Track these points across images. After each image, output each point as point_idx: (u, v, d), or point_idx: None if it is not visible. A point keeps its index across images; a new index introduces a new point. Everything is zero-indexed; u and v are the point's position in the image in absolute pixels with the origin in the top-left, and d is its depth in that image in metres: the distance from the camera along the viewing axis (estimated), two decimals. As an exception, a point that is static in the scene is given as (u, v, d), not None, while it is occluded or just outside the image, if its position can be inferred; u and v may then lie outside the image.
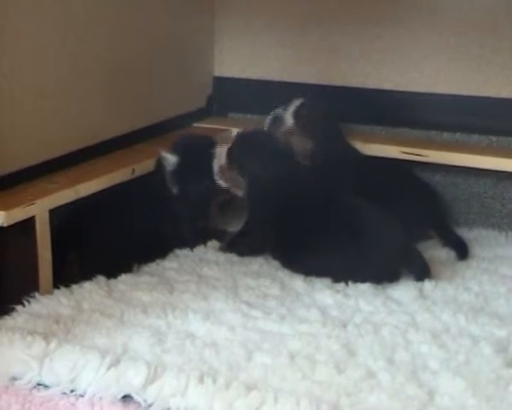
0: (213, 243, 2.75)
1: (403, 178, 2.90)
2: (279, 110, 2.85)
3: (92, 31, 2.65)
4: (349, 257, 2.44)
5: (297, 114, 2.83)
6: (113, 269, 2.46)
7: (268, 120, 2.85)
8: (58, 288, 2.36)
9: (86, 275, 2.43)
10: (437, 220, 2.86)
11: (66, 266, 2.48)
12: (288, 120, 2.83)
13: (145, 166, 2.71)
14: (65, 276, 2.44)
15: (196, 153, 2.68)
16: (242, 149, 2.59)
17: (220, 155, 2.61)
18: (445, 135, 3.05)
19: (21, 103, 2.41)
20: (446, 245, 2.77)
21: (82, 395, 1.89)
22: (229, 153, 2.60)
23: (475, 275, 2.54)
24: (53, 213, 2.36)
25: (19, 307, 2.23)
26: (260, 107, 3.20)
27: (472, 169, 2.91)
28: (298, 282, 2.46)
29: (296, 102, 2.84)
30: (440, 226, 2.84)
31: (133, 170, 2.66)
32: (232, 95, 3.28)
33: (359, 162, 2.88)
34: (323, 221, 2.47)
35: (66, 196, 2.41)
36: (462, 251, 2.73)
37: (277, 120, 2.84)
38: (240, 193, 2.62)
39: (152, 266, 2.59)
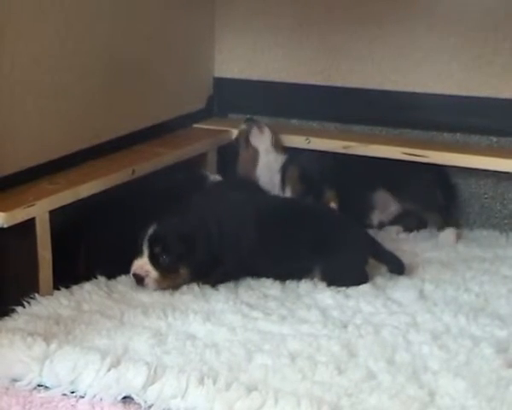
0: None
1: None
2: None
3: (92, 32, 2.65)
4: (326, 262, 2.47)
5: None
6: (115, 267, 2.48)
7: None
8: (58, 289, 2.36)
9: (93, 270, 2.45)
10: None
11: (78, 259, 2.49)
12: None
13: (145, 167, 2.71)
14: (79, 269, 2.47)
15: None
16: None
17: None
18: (446, 135, 3.04)
19: (22, 104, 2.41)
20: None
21: (82, 397, 1.90)
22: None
23: (476, 276, 2.54)
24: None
25: (19, 309, 2.23)
26: (260, 107, 3.21)
27: (472, 170, 2.92)
28: (298, 283, 2.46)
29: None
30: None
31: (133, 171, 2.66)
32: (232, 95, 3.28)
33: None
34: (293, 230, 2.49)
35: (66, 197, 2.41)
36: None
37: None
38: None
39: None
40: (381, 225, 2.97)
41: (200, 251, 2.40)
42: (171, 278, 2.41)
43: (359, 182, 2.95)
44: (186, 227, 2.42)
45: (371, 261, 2.53)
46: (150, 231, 2.40)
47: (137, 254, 2.40)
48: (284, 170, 3.01)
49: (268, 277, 2.49)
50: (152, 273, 2.38)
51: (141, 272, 2.39)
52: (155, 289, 2.39)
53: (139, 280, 2.39)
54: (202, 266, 2.42)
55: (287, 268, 2.49)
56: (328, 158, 3.00)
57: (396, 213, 2.99)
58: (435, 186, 2.98)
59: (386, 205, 2.98)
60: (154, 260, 2.39)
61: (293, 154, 3.03)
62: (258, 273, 2.49)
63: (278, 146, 3.02)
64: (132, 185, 2.65)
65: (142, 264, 2.39)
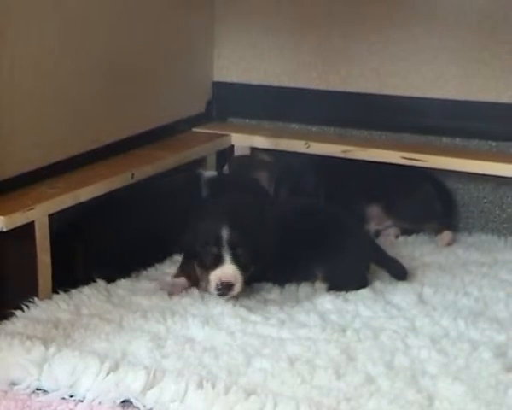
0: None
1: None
2: None
3: (92, 36, 2.65)
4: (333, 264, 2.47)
5: None
6: (114, 269, 2.48)
7: None
8: (57, 293, 2.36)
9: (92, 274, 2.45)
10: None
11: (73, 262, 2.49)
12: None
13: (144, 170, 2.72)
14: (78, 273, 2.46)
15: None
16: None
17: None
18: (445, 140, 3.05)
19: (21, 108, 2.42)
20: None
21: (81, 400, 1.90)
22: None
23: (475, 280, 2.54)
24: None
25: (18, 312, 2.23)
26: (260, 111, 3.21)
27: (471, 174, 2.92)
28: (297, 287, 2.46)
29: None
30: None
31: (132, 175, 2.66)
32: (231, 100, 3.28)
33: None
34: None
35: (65, 200, 2.41)
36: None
37: None
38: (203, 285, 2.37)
39: (151, 271, 2.59)
40: (378, 234, 2.96)
41: (266, 255, 2.34)
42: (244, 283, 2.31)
43: (352, 198, 2.93)
44: (255, 230, 2.32)
45: (371, 266, 2.53)
46: (225, 235, 2.25)
47: (212, 263, 2.28)
48: (276, 183, 3.02)
49: (271, 282, 2.48)
50: (239, 279, 2.27)
51: (231, 280, 2.25)
52: (237, 296, 2.31)
53: (228, 288, 2.26)
54: (259, 270, 2.36)
55: (289, 273, 2.49)
56: (317, 173, 2.99)
57: (392, 226, 2.98)
58: (432, 198, 2.96)
59: (381, 220, 2.97)
60: (238, 264, 2.27)
61: (287, 161, 3.03)
62: (259, 279, 2.48)
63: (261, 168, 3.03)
64: (129, 187, 2.65)
65: (229, 270, 2.25)
